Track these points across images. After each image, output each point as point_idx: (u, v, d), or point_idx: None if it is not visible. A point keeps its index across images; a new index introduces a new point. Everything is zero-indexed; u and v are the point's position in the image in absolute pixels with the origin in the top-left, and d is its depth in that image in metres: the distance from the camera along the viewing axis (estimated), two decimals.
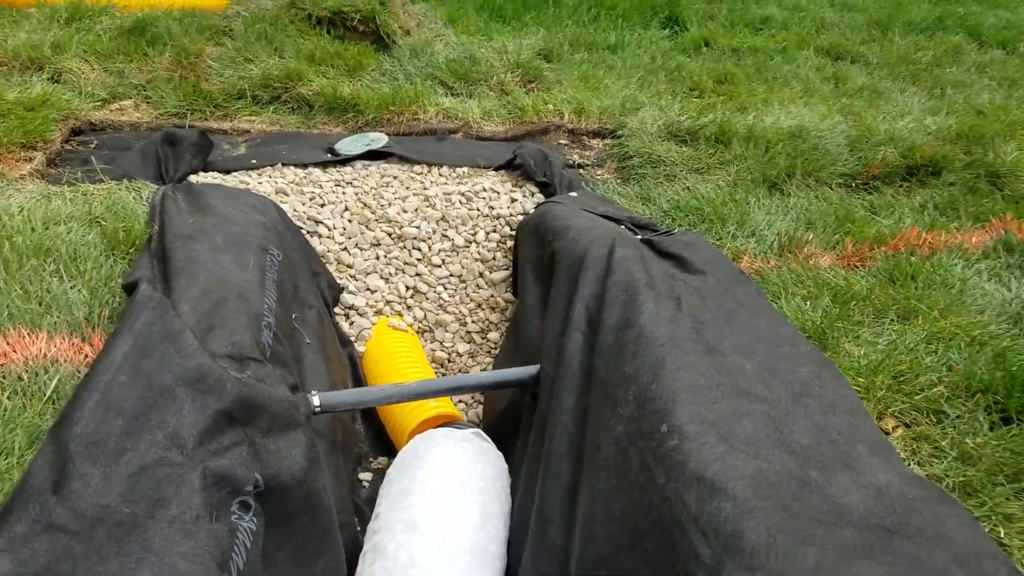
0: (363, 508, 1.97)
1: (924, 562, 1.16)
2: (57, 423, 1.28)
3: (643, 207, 2.46)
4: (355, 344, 2.40)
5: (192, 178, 2.63)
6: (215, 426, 1.41)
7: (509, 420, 2.14)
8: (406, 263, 2.60)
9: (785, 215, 2.32)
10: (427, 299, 2.54)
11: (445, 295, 2.56)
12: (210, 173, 2.74)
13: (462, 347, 2.49)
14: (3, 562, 1.07)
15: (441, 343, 2.50)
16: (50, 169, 2.64)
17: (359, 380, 2.34)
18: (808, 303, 1.87)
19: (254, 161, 2.88)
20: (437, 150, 3.04)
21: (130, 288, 1.72)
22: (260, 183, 2.72)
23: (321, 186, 2.78)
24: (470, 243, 2.65)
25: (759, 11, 4.89)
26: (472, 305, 2.55)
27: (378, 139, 3.04)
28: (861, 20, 4.91)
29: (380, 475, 2.10)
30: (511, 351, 2.32)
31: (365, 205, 2.71)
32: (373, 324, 2.45)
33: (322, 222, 2.62)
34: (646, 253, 2.09)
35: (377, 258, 2.61)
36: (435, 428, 2.03)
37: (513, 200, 2.73)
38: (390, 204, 2.72)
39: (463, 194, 2.75)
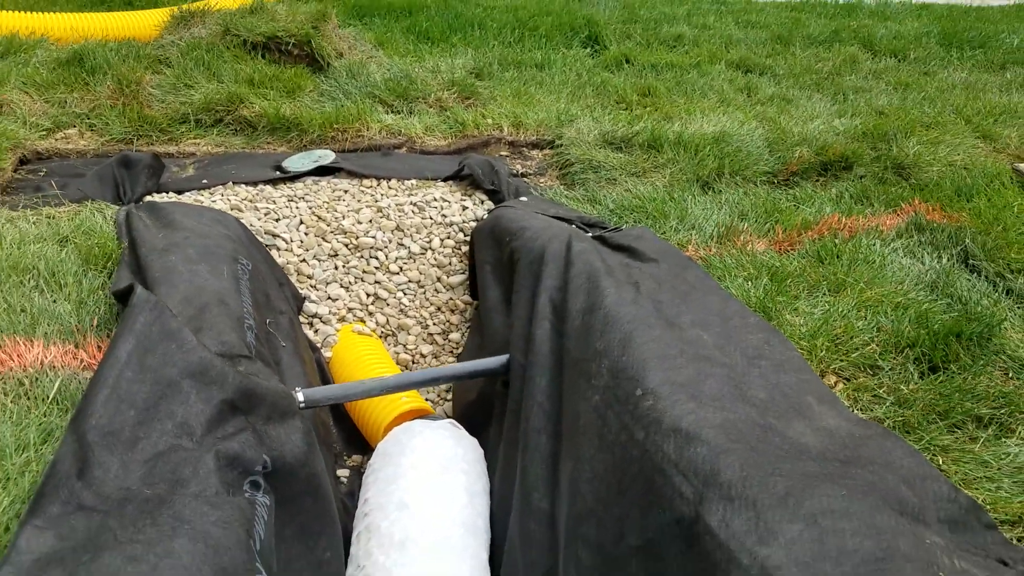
0: (345, 501, 2.04)
1: (877, 484, 1.34)
2: (74, 416, 1.34)
3: (591, 208, 2.64)
4: (321, 350, 2.48)
5: (148, 199, 2.67)
6: (220, 415, 1.49)
7: (479, 410, 2.25)
8: (365, 271, 2.70)
9: (719, 209, 2.53)
10: (388, 305, 2.64)
11: (405, 300, 2.66)
12: (163, 193, 2.78)
13: (425, 348, 2.59)
14: (47, 537, 1.13)
15: (404, 346, 2.60)
16: (4, 197, 2.63)
17: (328, 383, 2.41)
18: (749, 283, 2.06)
19: (205, 181, 2.93)
20: (384, 164, 3.15)
21: (121, 295, 1.78)
22: (214, 201, 2.78)
23: (274, 202, 2.85)
24: (426, 250, 2.77)
25: (671, 30, 5.19)
26: (432, 308, 2.67)
27: (325, 155, 3.13)
28: (765, 36, 5.27)
29: (356, 472, 2.19)
30: (476, 348, 2.44)
31: (320, 218, 2.79)
32: (337, 330, 2.54)
33: (279, 235, 2.70)
34: (600, 247, 2.25)
35: (336, 268, 2.69)
36: (410, 421, 2.12)
37: (464, 208, 2.86)
38: (344, 216, 2.81)
39: (415, 204, 2.87)
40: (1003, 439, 1.52)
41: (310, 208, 2.84)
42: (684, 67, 4.43)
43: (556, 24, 5.11)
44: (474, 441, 2.07)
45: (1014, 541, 1.32)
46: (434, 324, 2.63)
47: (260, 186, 2.95)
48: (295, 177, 3.01)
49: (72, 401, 1.52)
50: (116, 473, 1.32)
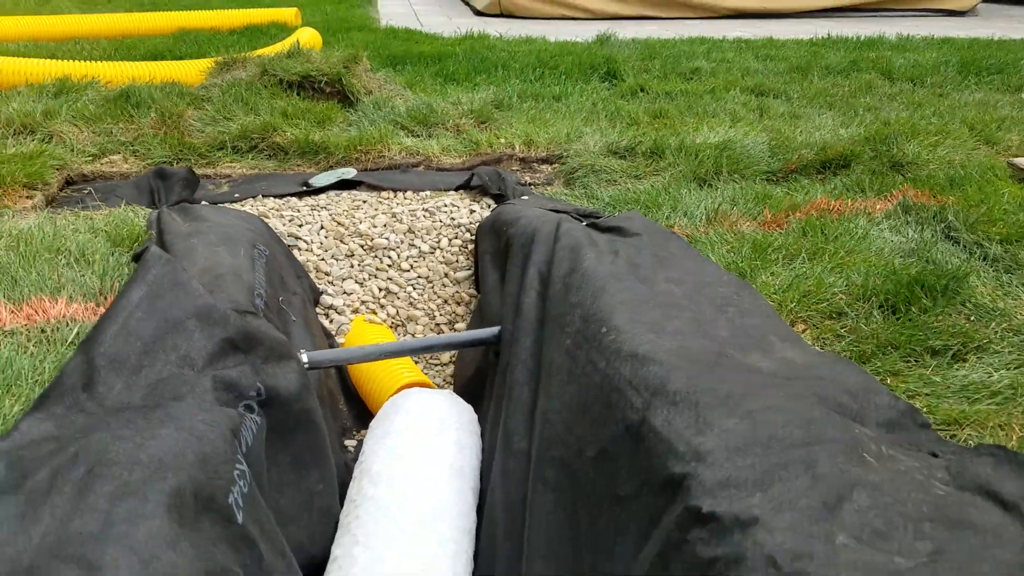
0: (349, 466, 2.16)
1: (819, 392, 1.42)
2: (84, 341, 1.51)
3: (587, 202, 2.78)
4: (335, 337, 2.63)
5: None
6: (221, 351, 1.64)
7: (477, 384, 2.37)
8: (378, 269, 2.86)
9: (713, 199, 2.64)
10: (398, 298, 2.80)
11: (415, 294, 2.82)
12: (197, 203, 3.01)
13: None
14: (46, 425, 1.28)
15: (413, 335, 2.74)
16: (49, 210, 2.89)
17: (340, 368, 2.56)
18: (732, 253, 2.16)
19: (236, 195, 3.16)
20: (401, 179, 3.35)
21: (138, 256, 1.96)
22: (243, 209, 2.99)
23: (299, 210, 3.06)
24: (435, 249, 2.93)
25: (689, 64, 5.37)
26: (439, 301, 2.81)
27: (347, 172, 3.35)
28: (783, 67, 5.41)
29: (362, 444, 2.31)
30: (476, 328, 2.56)
31: (339, 223, 2.99)
32: (351, 321, 2.69)
33: (301, 238, 2.89)
34: (590, 230, 2.38)
35: (352, 266, 2.87)
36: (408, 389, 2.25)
37: (472, 211, 3.03)
38: (361, 221, 3.00)
39: (427, 209, 3.05)
40: (955, 366, 1.58)
41: (331, 215, 3.04)
42: (698, 93, 4.59)
43: (576, 63, 5.34)
44: (469, 407, 2.18)
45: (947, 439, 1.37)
46: (441, 315, 2.77)
47: (286, 198, 3.16)
48: (319, 191, 3.23)
49: None
50: (119, 392, 1.47)
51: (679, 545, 1.14)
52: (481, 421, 2.21)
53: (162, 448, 1.23)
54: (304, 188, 3.24)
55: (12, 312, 1.77)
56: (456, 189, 3.21)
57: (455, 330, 2.75)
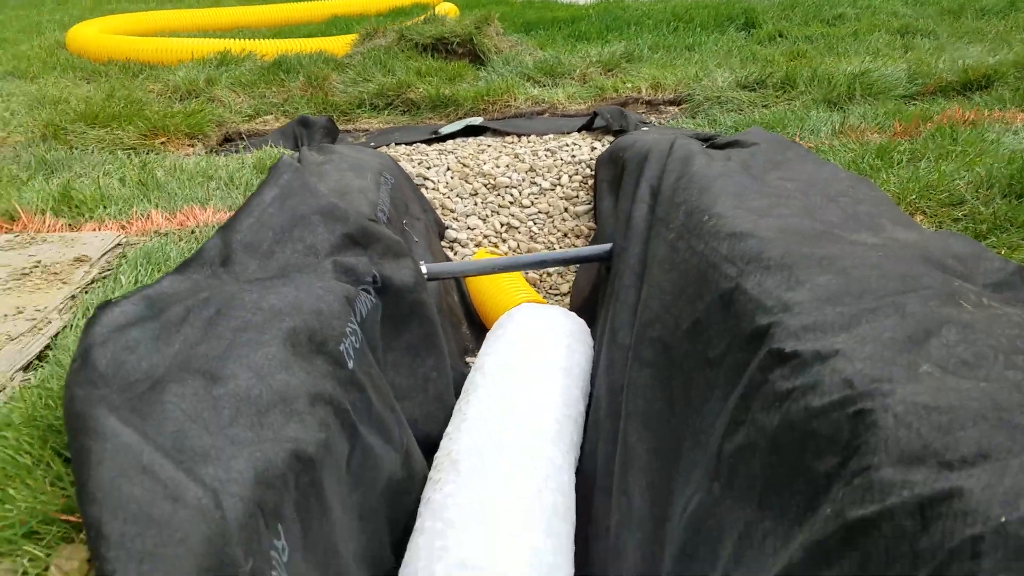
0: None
1: (922, 254, 1.35)
2: (222, 227, 1.68)
3: (709, 127, 2.74)
4: None
5: None
6: (342, 244, 1.78)
7: (591, 304, 2.41)
8: (500, 206, 2.96)
9: (842, 117, 2.53)
10: (519, 232, 2.88)
11: (535, 228, 2.89)
12: None
13: (551, 268, 2.79)
14: (185, 283, 1.44)
15: None
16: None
17: (464, 295, 2.67)
18: (856, 159, 2.07)
19: (372, 144, 3.36)
20: (526, 124, 3.43)
21: (271, 168, 2.14)
22: None
23: (427, 155, 3.21)
24: (555, 186, 2.98)
25: (832, 11, 5.12)
26: (559, 235, 2.87)
27: (474, 120, 3.47)
28: (933, 11, 5.05)
29: None
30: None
31: (464, 165, 3.10)
32: (473, 253, 2.80)
33: (428, 178, 3.03)
34: (707, 148, 2.36)
35: (475, 204, 2.98)
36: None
37: (593, 148, 3.06)
38: (485, 163, 3.11)
39: (548, 149, 3.11)
40: None
41: (457, 158, 3.17)
42: (839, 36, 4.38)
43: (712, 15, 5.23)
44: (582, 321, 2.22)
45: None
46: (560, 247, 2.82)
47: (416, 145, 3.32)
48: (446, 137, 3.37)
49: None
50: (253, 271, 1.63)
51: (759, 386, 1.14)
52: (594, 337, 2.25)
53: (282, 300, 1.37)
54: (433, 136, 3.39)
55: (167, 219, 1.99)
56: (579, 130, 3.25)
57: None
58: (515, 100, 3.68)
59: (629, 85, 3.64)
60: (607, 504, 1.51)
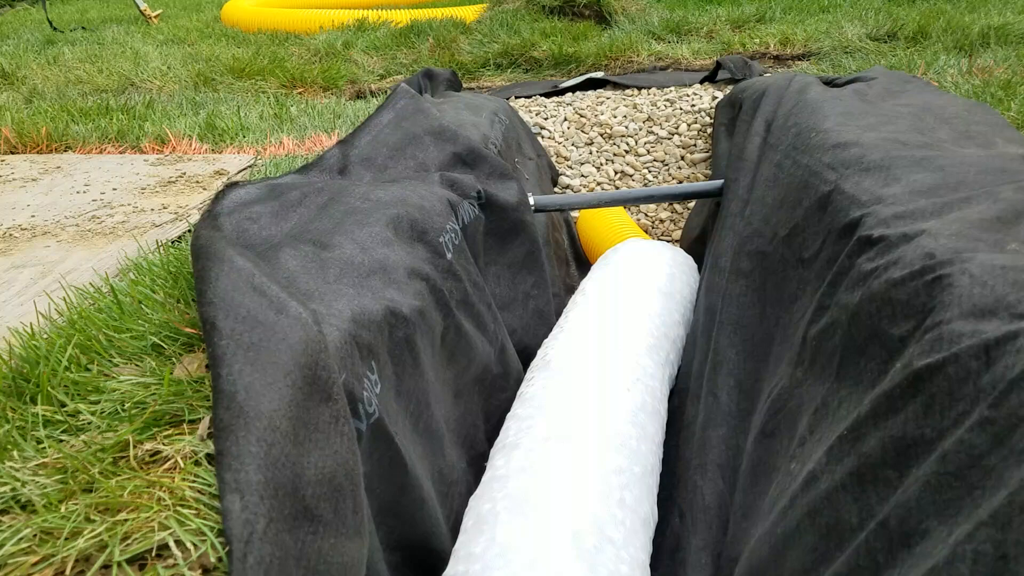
0: None
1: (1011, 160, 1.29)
2: (341, 142, 1.81)
3: (834, 72, 2.65)
4: (570, 212, 2.80)
5: None
6: (450, 161, 1.87)
7: (700, 244, 2.40)
8: (615, 154, 2.98)
9: (970, 62, 2.40)
10: (632, 179, 2.90)
11: (649, 176, 2.89)
12: None
13: (664, 215, 2.79)
14: (302, 180, 1.57)
15: (645, 213, 2.83)
16: None
17: (573, 238, 2.73)
18: (979, 90, 1.97)
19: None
20: (647, 77, 3.43)
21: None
22: None
23: (545, 106, 3.27)
24: (672, 135, 2.98)
25: None
26: (674, 183, 2.86)
27: (596, 74, 3.50)
28: None
29: None
30: (701, 204, 2.59)
31: (581, 115, 3.15)
32: None
33: (545, 127, 3.10)
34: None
35: (591, 152, 3.01)
36: None
37: (714, 98, 3.03)
38: (602, 114, 3.13)
39: (668, 99, 3.10)
40: None
41: (575, 110, 3.21)
42: None
43: None
44: (688, 256, 2.23)
45: None
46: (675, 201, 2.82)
47: (535, 97, 3.39)
48: (567, 91, 3.42)
49: None
50: (367, 181, 1.76)
51: (847, 272, 1.14)
52: (701, 274, 2.25)
53: (388, 194, 1.47)
54: (553, 90, 3.44)
55: (296, 144, 2.15)
56: (701, 82, 3.22)
57: (688, 208, 2.80)
58: (638, 56, 3.68)
59: (757, 40, 3.56)
60: (696, 409, 1.53)
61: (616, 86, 3.38)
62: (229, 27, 5.41)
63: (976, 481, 0.74)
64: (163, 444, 0.78)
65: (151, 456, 0.77)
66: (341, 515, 0.83)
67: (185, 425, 0.82)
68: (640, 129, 3.02)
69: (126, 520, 0.69)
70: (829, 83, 2.45)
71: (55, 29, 5.66)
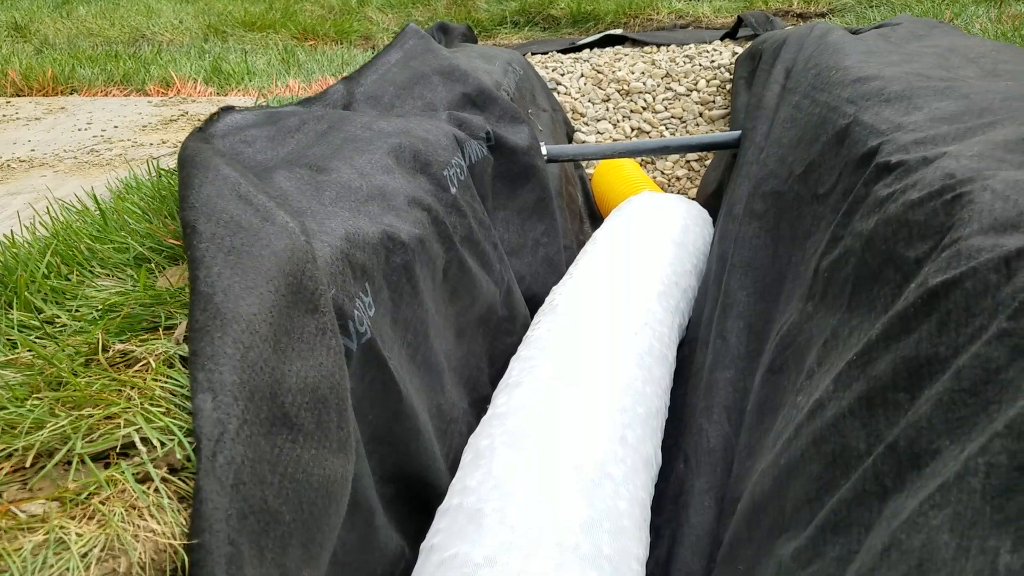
0: None
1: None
2: (346, 78, 1.77)
3: (858, 23, 2.57)
4: (585, 168, 2.75)
5: None
6: (459, 102, 1.82)
7: (717, 201, 2.34)
8: (632, 111, 2.92)
9: (1000, 11, 2.31)
10: (649, 136, 2.83)
11: (666, 132, 2.83)
12: None
13: (680, 172, 2.73)
14: (302, 109, 1.53)
15: (662, 171, 2.77)
16: None
17: (588, 195, 2.67)
18: (1007, 34, 1.89)
19: None
20: (666, 35, 3.35)
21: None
22: None
23: (562, 62, 3.20)
24: (691, 91, 2.90)
25: None
26: None
27: (614, 31, 3.42)
28: None
29: None
30: (720, 156, 2.52)
31: (598, 71, 3.08)
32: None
33: (561, 83, 3.03)
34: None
35: (607, 109, 2.95)
36: None
37: (734, 54, 2.95)
38: (620, 70, 3.06)
39: (687, 55, 3.03)
40: None
41: (592, 66, 3.14)
42: None
43: None
44: (704, 210, 2.17)
45: None
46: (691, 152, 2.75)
47: (552, 53, 3.33)
48: (584, 47, 3.35)
49: None
50: (372, 115, 1.71)
51: (863, 199, 1.09)
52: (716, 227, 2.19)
53: (392, 125, 1.43)
54: (570, 47, 3.37)
55: (303, 88, 2.11)
56: (721, 39, 3.14)
57: (705, 165, 2.73)
58: (658, 14, 3.60)
59: None
60: (705, 355, 1.49)
61: (635, 43, 3.30)
62: None
63: (992, 396, 0.69)
64: (136, 346, 0.75)
65: (123, 357, 0.74)
66: (324, 427, 0.80)
67: (161, 331, 0.79)
68: (658, 85, 2.95)
69: (91, 416, 0.66)
70: (853, 32, 2.38)
71: None
